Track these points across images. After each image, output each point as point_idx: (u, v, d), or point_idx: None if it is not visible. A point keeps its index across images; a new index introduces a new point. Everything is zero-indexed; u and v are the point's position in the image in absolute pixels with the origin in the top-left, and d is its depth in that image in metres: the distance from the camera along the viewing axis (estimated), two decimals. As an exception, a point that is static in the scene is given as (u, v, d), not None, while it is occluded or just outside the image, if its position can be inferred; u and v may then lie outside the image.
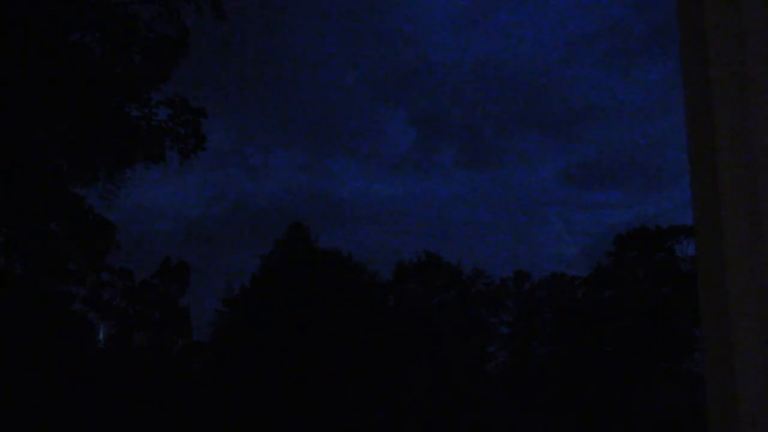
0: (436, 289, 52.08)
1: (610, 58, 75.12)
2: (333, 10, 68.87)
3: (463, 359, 46.64)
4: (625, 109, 79.52)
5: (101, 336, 47.97)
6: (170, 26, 22.32)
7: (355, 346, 41.48)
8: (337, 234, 71.70)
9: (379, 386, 41.44)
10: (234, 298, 47.16)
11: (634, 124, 79.68)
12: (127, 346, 46.82)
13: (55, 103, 21.17)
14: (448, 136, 77.45)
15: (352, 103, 76.22)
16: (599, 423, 43.83)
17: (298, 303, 41.51)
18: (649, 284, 49.87)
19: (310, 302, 41.38)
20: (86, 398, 35.06)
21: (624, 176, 78.11)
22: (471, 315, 51.20)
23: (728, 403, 1.14)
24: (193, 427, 38.78)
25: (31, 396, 30.15)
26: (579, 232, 76.35)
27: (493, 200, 76.06)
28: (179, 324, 49.16)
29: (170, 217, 70.75)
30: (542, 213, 75.97)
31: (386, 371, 42.29)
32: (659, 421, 42.24)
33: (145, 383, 39.93)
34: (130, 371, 40.78)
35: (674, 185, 61.71)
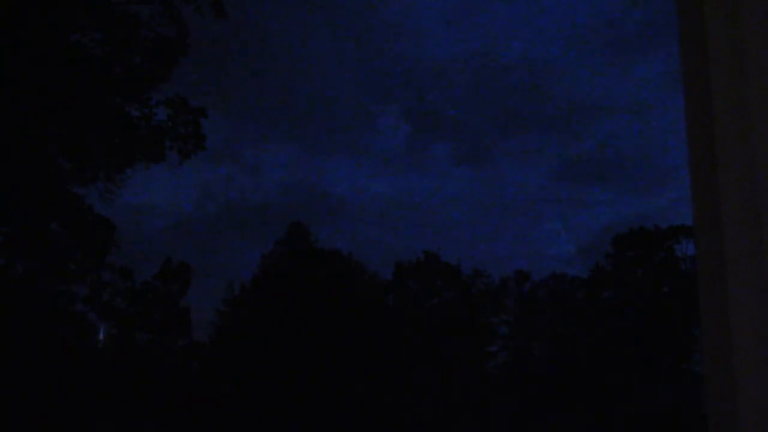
0: (436, 289, 52.08)
1: (608, 54, 75.08)
2: (328, 7, 68.85)
3: (463, 359, 46.64)
4: (623, 106, 79.41)
5: (101, 336, 47.93)
6: (170, 26, 22.35)
7: (354, 346, 41.51)
8: (334, 232, 71.59)
9: (379, 386, 41.44)
10: (234, 298, 47.23)
11: (632, 121, 79.59)
12: (127, 346, 46.79)
13: (55, 103, 21.18)
14: (444, 134, 77.33)
15: (347, 100, 76.11)
16: (599, 423, 43.82)
17: (298, 303, 41.55)
18: (649, 284, 49.88)
19: (310, 302, 41.41)
20: (86, 398, 35.07)
21: (622, 173, 78.00)
22: (471, 315, 51.18)
23: (728, 403, 1.14)
24: (193, 427, 38.79)
25: (31, 396, 30.16)
26: (577, 230, 76.22)
27: (491, 198, 75.87)
28: (179, 324, 49.14)
29: (168, 216, 70.74)
30: (540, 211, 75.91)
31: (386, 371, 42.29)
32: (659, 421, 42.20)
33: (145, 383, 39.94)
34: (130, 371, 40.78)
35: (674, 182, 61.67)
